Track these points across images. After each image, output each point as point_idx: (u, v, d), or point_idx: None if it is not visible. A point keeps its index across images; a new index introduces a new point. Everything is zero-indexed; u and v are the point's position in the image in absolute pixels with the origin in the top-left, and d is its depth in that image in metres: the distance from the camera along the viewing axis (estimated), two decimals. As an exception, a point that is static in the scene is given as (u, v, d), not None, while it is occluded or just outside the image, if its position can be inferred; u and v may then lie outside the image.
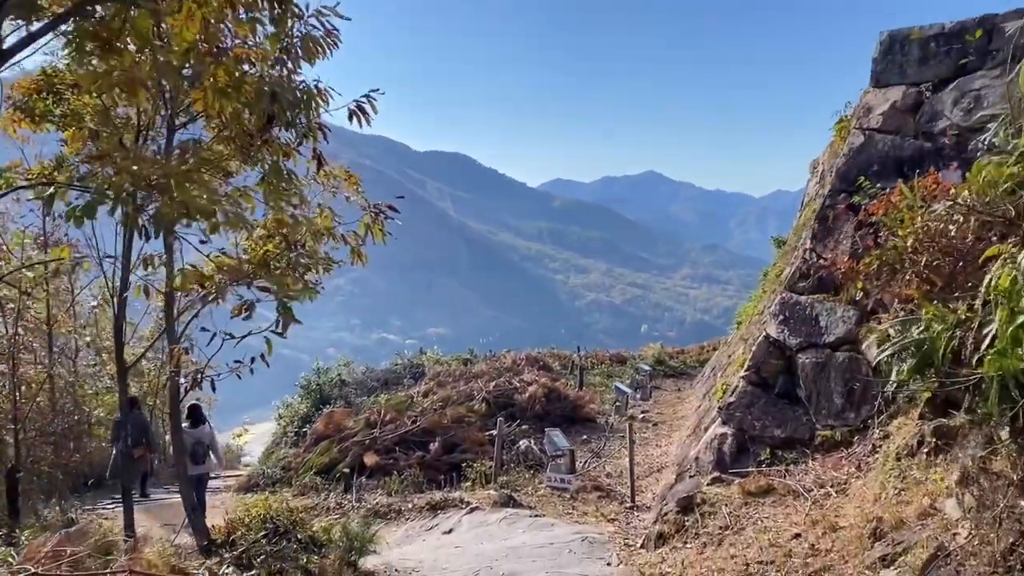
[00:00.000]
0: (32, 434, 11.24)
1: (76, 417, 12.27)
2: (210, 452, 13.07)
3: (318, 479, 13.58)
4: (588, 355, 32.64)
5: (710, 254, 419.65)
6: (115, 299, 8.80)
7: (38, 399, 11.62)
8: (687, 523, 8.37)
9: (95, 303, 16.23)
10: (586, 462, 14.50)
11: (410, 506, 11.98)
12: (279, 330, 7.07)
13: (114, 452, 14.17)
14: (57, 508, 11.70)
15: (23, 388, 11.72)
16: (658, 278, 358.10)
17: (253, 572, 6.94)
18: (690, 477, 9.54)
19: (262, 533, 7.92)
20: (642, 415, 19.16)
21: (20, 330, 11.18)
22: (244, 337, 7.89)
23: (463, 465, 13.51)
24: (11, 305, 10.67)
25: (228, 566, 6.69)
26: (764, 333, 9.61)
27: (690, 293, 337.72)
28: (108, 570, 5.20)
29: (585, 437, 16.57)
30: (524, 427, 15.58)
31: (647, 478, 13.12)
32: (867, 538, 5.96)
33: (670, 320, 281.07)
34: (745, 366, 9.66)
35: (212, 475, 13.96)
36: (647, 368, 25.27)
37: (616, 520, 10.78)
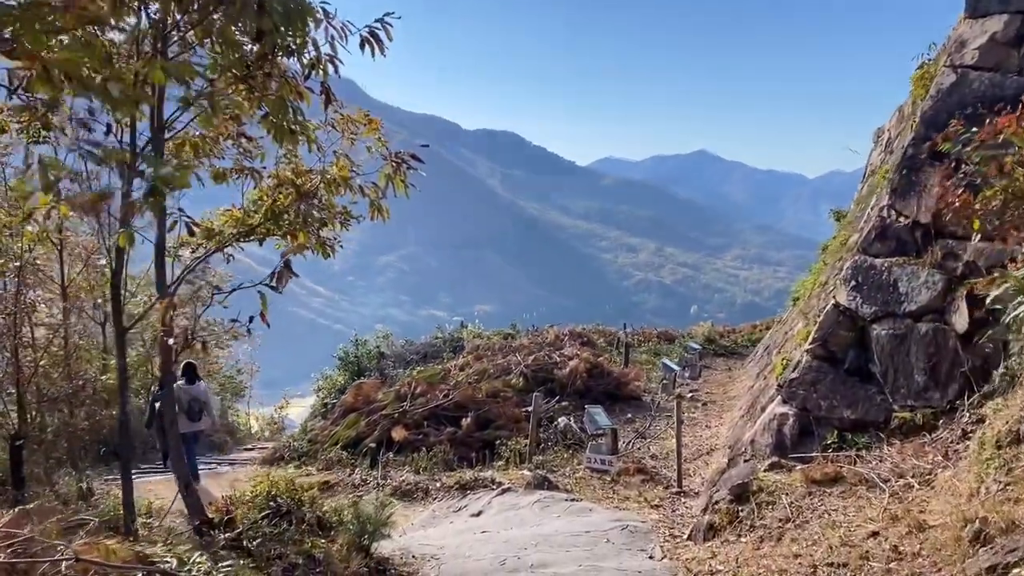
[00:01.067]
0: (34, 400, 10.64)
1: (82, 382, 11.68)
2: (204, 410, 13.26)
3: (344, 453, 12.85)
4: (635, 332, 31.51)
5: (762, 235, 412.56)
6: (110, 253, 8.02)
7: (42, 362, 11.00)
8: (741, 513, 7.36)
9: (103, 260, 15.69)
10: (629, 442, 13.52)
11: (438, 485, 11.16)
12: (274, 283, 6.23)
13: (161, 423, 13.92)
14: (69, 478, 11.08)
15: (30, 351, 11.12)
16: (708, 258, 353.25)
17: (245, 559, 6.14)
18: (745, 462, 8.51)
19: (263, 513, 7.13)
20: (691, 394, 18.10)
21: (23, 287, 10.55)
22: (232, 292, 7.08)
23: (496, 443, 12.65)
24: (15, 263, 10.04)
25: (216, 551, 5.90)
26: (832, 301, 8.48)
27: (741, 274, 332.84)
28: (62, 556, 4.43)
29: (629, 416, 15.59)
30: (563, 404, 14.65)
31: (695, 461, 12.10)
32: (967, 542, 4.89)
33: (720, 301, 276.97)
34: (810, 338, 8.56)
35: (208, 433, 14.02)
36: (696, 346, 24.22)
37: (660, 506, 9.80)
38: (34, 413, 10.22)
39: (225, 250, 8.52)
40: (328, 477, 12.30)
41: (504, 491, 10.43)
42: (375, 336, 26.48)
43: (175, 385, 13.72)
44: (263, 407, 32.87)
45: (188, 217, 6.86)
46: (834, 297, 8.48)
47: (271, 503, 7.24)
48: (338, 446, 13.15)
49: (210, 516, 7.09)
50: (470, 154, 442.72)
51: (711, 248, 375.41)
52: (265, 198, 8.04)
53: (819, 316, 8.57)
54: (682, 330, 33.91)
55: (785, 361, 9.45)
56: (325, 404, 16.68)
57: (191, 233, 6.94)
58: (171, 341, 6.67)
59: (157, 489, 12.98)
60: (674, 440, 13.85)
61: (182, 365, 13.97)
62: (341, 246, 9.30)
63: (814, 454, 7.74)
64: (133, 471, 14.83)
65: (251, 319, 6.74)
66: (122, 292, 8.33)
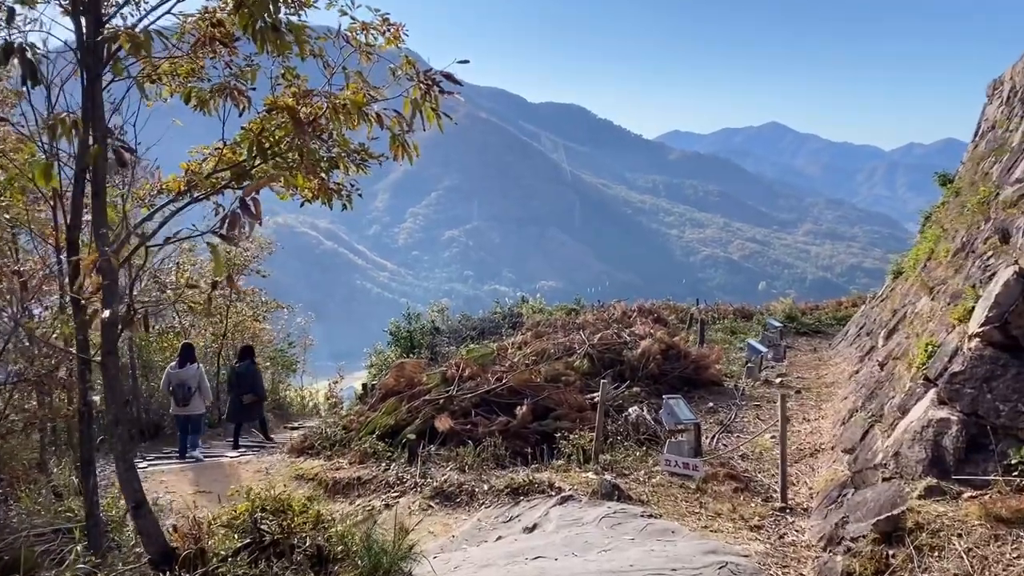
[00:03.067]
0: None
1: (54, 362, 10.15)
2: (196, 393, 13.34)
3: (380, 444, 11.08)
4: (708, 308, 29.37)
5: (835, 209, 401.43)
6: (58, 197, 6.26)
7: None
8: (893, 560, 5.28)
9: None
10: (713, 437, 11.46)
11: (486, 487, 9.30)
12: (223, 231, 4.40)
13: (229, 399, 14.87)
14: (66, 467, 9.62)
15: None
16: (778, 234, 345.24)
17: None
18: (884, 480, 6.40)
19: (243, 542, 5.36)
20: (779, 379, 15.88)
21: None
22: (168, 242, 5.31)
23: (556, 435, 10.71)
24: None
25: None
26: (1016, 269, 6.24)
27: (811, 250, 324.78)
28: None
29: (711, 405, 13.48)
30: (635, 390, 12.62)
31: (797, 464, 9.98)
32: None
33: (789, 277, 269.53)
34: (979, 319, 6.35)
35: (203, 413, 13.96)
36: (777, 324, 21.94)
37: (762, 527, 7.75)
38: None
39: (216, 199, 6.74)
40: (360, 472, 10.57)
41: (564, 500, 8.51)
42: (430, 309, 24.84)
43: (167, 369, 14.13)
44: (318, 380, 31.70)
45: (119, 141, 5.10)
46: (1017, 263, 6.24)
47: (254, 529, 5.45)
48: (374, 435, 11.40)
49: (172, 545, 5.35)
50: (535, 128, 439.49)
51: (781, 223, 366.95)
52: (255, 128, 6.20)
53: (994, 288, 6.34)
54: (759, 306, 31.65)
55: (930, 347, 7.24)
56: (365, 386, 14.95)
57: (121, 163, 5.12)
58: (105, 313, 4.88)
59: (172, 481, 11.49)
60: (767, 436, 11.76)
61: (180, 346, 14.37)
62: (359, 194, 7.45)
63: (992, 477, 5.60)
64: (152, 457, 13.41)
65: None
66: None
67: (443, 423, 10.90)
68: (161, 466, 12.31)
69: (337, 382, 30.87)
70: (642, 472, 9.63)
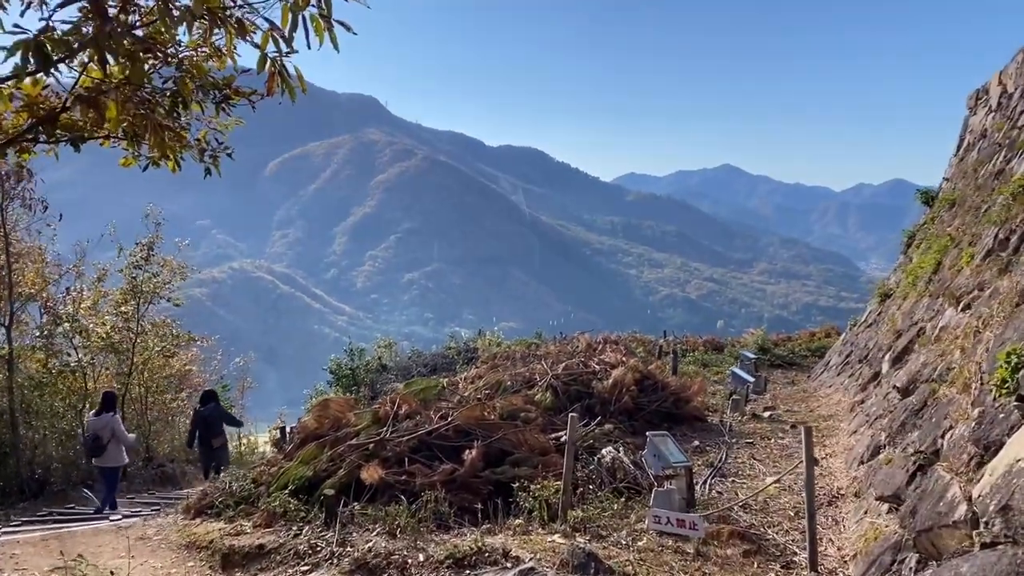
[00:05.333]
0: None
1: None
2: (110, 443, 12.35)
3: (293, 502, 8.82)
4: (677, 340, 27.67)
5: (789, 249, 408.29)
6: None
7: None
8: None
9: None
10: (705, 483, 9.40)
11: (421, 558, 7.10)
12: None
13: (198, 445, 14.22)
14: None
15: None
16: (735, 273, 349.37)
17: None
18: (986, 547, 4.40)
19: None
20: (767, 413, 13.99)
21: None
22: None
23: (514, 486, 8.54)
24: None
25: None
26: None
27: (768, 288, 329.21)
28: None
29: (697, 444, 11.45)
30: (608, 427, 10.56)
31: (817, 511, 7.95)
32: None
33: (747, 316, 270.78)
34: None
35: (120, 465, 12.90)
36: (752, 356, 20.33)
37: (791, 611, 5.69)
38: None
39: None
40: (265, 538, 8.30)
41: (524, 574, 6.36)
42: (376, 345, 22.62)
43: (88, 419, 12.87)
44: (261, 427, 29.24)
45: None
46: None
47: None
48: (287, 490, 9.14)
49: None
50: (494, 171, 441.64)
51: (737, 263, 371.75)
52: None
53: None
54: (730, 338, 30.19)
55: (1015, 356, 5.30)
56: (283, 430, 12.66)
57: None
58: None
59: (27, 554, 9.07)
60: (768, 480, 9.77)
61: (101, 394, 13.41)
62: (229, 154, 5.38)
63: None
64: (19, 521, 10.95)
65: None
66: None
67: (371, 473, 8.70)
68: (23, 533, 9.88)
69: (280, 428, 28.27)
70: (624, 532, 7.50)
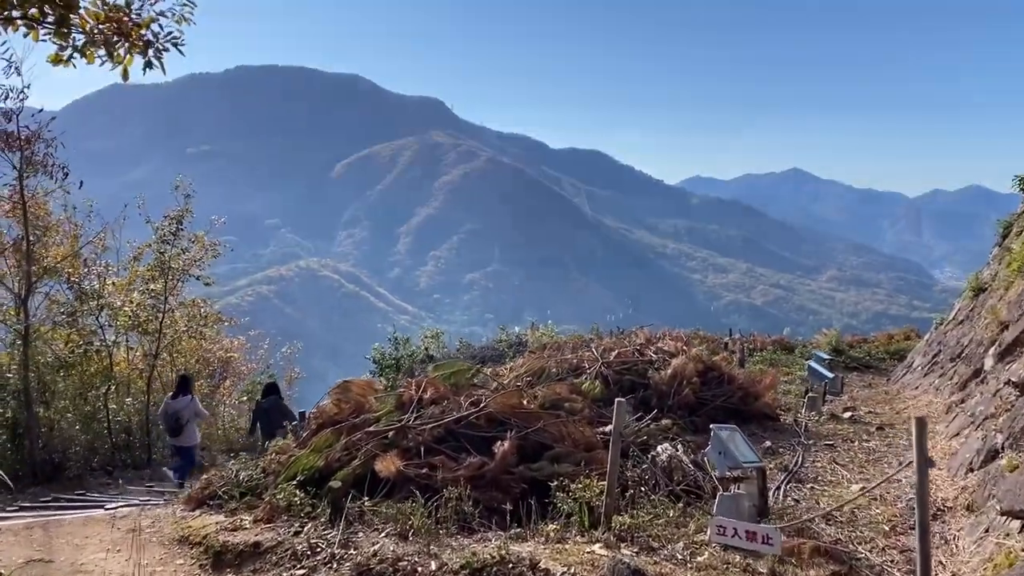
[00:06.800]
0: None
1: None
2: (187, 423, 13.17)
3: (299, 494, 7.72)
4: (743, 339, 25.98)
5: (859, 255, 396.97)
6: None
7: None
8: None
9: None
10: (778, 489, 7.98)
11: (433, 567, 5.90)
12: None
13: (261, 436, 14.10)
14: None
15: None
16: (802, 279, 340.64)
17: None
18: None
19: None
20: (848, 414, 12.42)
21: None
22: None
23: (552, 485, 7.26)
24: None
25: None
26: None
27: (836, 296, 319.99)
28: None
29: (768, 444, 10.00)
30: (665, 422, 9.21)
31: (915, 531, 6.49)
32: None
33: (814, 324, 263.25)
34: None
35: (195, 444, 13.66)
36: (826, 357, 18.67)
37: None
38: None
39: None
40: (263, 535, 7.20)
41: (554, 592, 5.10)
42: (422, 336, 21.57)
43: (165, 399, 13.89)
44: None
45: None
46: None
47: None
48: (295, 481, 8.03)
49: None
50: (557, 173, 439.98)
51: (805, 268, 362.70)
52: None
53: None
54: (801, 339, 28.38)
55: None
56: (302, 414, 11.61)
57: None
58: None
59: (5, 544, 8.16)
60: (854, 487, 8.30)
61: (177, 377, 14.30)
62: (179, 47, 4.25)
63: None
64: (15, 507, 10.10)
65: None
66: None
67: (387, 465, 7.53)
68: (10, 520, 9.00)
69: (300, 412, 27.60)
70: (680, 544, 6.16)
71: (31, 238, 12.93)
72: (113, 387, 14.71)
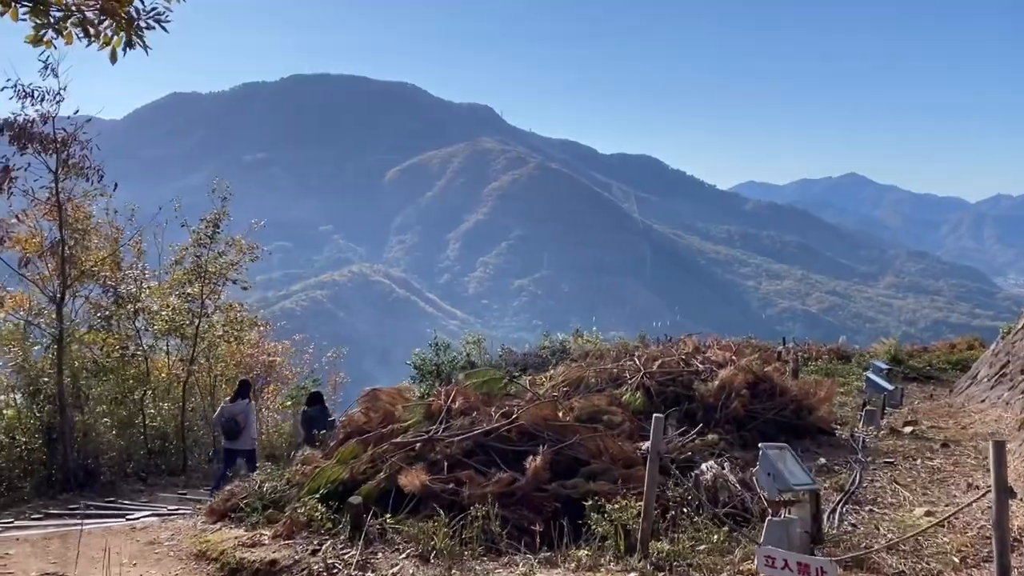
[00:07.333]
0: None
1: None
2: (245, 428, 13.20)
3: (322, 509, 7.35)
4: (798, 348, 25.12)
5: (918, 262, 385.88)
6: None
7: None
8: None
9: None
10: (833, 512, 7.36)
11: (454, 593, 5.45)
12: None
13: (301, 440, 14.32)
14: None
15: None
16: (859, 286, 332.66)
17: None
18: None
19: None
20: (908, 428, 11.66)
21: None
22: None
23: (587, 504, 6.76)
24: None
25: None
26: None
27: (894, 303, 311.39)
28: None
29: (823, 462, 9.34)
30: (711, 438, 8.64)
31: (987, 564, 5.84)
32: None
33: (871, 331, 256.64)
34: None
35: (252, 448, 13.69)
36: (884, 366, 17.80)
37: None
38: None
39: None
40: (280, 552, 6.85)
41: (580, 628, 4.61)
42: (463, 341, 21.21)
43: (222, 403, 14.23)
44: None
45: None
46: None
47: None
48: (318, 494, 7.68)
49: None
50: (606, 178, 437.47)
51: (862, 275, 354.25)
52: None
53: None
54: (858, 347, 27.38)
55: None
56: (330, 421, 11.27)
57: None
58: None
59: (18, 556, 7.93)
60: (915, 509, 7.62)
61: (238, 382, 14.43)
62: (162, 24, 3.88)
63: None
64: (36, 517, 9.88)
65: None
66: None
67: (412, 479, 7.12)
68: (28, 530, 8.81)
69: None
70: (724, 570, 5.62)
71: (69, 241, 12.91)
72: (150, 392, 14.62)
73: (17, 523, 9.02)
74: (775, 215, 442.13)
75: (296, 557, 6.66)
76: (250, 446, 13.52)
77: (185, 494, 12.64)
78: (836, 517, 7.28)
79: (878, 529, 6.90)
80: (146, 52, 3.79)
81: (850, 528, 6.96)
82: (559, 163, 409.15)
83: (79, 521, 9.21)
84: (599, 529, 6.40)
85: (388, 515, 6.94)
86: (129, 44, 3.74)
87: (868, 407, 11.79)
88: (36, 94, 11.78)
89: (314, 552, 6.68)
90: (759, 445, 6.18)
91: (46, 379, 12.53)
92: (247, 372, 17.27)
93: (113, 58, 3.93)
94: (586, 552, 6.08)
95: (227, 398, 14.19)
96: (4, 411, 12.73)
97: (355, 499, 6.92)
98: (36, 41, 3.92)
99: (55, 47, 3.88)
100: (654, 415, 6.21)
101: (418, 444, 7.81)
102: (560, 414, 8.26)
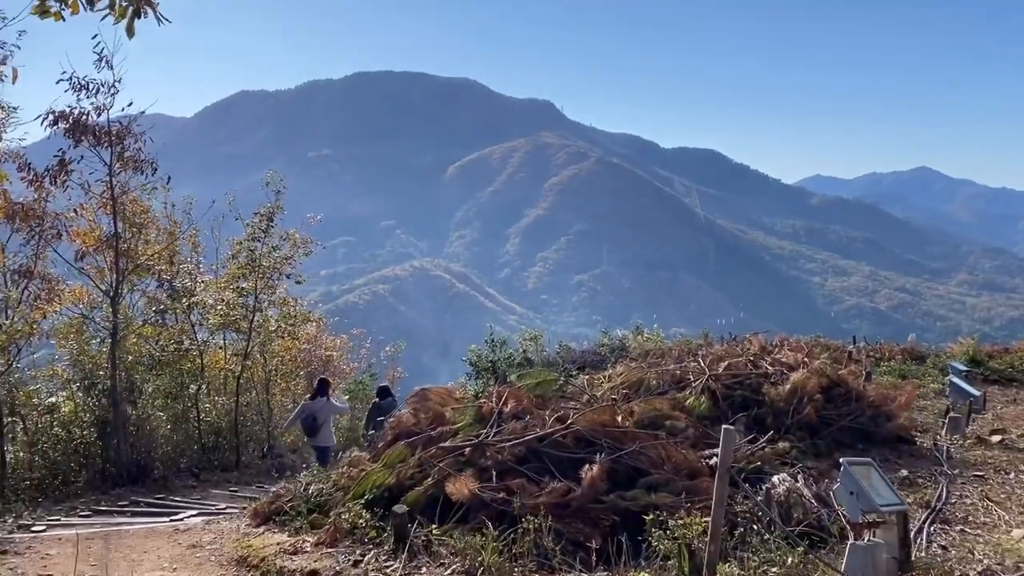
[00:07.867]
0: None
1: None
2: (323, 425, 13.34)
3: (365, 515, 7.00)
4: (869, 348, 24.03)
5: (993, 258, 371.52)
6: None
7: None
8: None
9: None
10: (919, 531, 6.70)
11: (500, 617, 5.01)
12: None
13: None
14: None
15: None
16: (930, 283, 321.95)
17: None
18: None
19: None
20: (997, 437, 10.80)
21: None
22: None
23: (647, 518, 6.25)
24: None
25: None
26: None
27: (967, 301, 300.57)
28: None
29: (904, 474, 8.62)
30: (782, 446, 8.03)
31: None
32: None
33: (942, 330, 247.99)
34: None
35: (332, 445, 13.76)
36: (962, 368, 16.67)
37: None
38: None
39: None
40: (321, 562, 6.52)
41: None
42: (520, 337, 20.78)
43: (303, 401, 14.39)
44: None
45: None
46: None
47: None
48: (363, 499, 7.33)
49: None
50: (668, 173, 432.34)
51: (933, 272, 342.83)
52: None
53: None
54: (933, 347, 26.06)
55: None
56: (380, 422, 10.95)
57: None
58: None
59: (59, 557, 7.77)
60: (1013, 530, 6.89)
61: (317, 380, 14.56)
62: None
63: None
64: (86, 513, 9.76)
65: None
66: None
67: (460, 487, 6.71)
68: (72, 528, 8.67)
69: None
70: (800, 600, 5.06)
71: (125, 235, 12.90)
72: (204, 387, 14.58)
73: (64, 520, 8.91)
74: (842, 210, 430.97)
75: (337, 568, 6.31)
76: (327, 443, 13.64)
77: (236, 491, 12.51)
78: (923, 538, 6.61)
79: (972, 553, 6.23)
80: (158, 23, 3.44)
81: (940, 551, 6.30)
82: (620, 157, 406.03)
83: (124, 520, 9.07)
84: (661, 547, 5.89)
85: (434, 525, 6.54)
86: (137, 13, 3.40)
87: (952, 414, 10.96)
88: (91, 86, 11.77)
89: (356, 563, 6.33)
90: (841, 460, 5.58)
91: (101, 373, 12.60)
92: (304, 366, 17.17)
93: (130, 32, 3.59)
94: (647, 573, 5.58)
95: (308, 396, 14.44)
96: (62, 405, 12.81)
97: (400, 508, 6.53)
98: (43, 12, 3.61)
99: (63, 18, 3.56)
100: (723, 426, 5.65)
101: (467, 449, 7.40)
102: (619, 419, 7.75)
